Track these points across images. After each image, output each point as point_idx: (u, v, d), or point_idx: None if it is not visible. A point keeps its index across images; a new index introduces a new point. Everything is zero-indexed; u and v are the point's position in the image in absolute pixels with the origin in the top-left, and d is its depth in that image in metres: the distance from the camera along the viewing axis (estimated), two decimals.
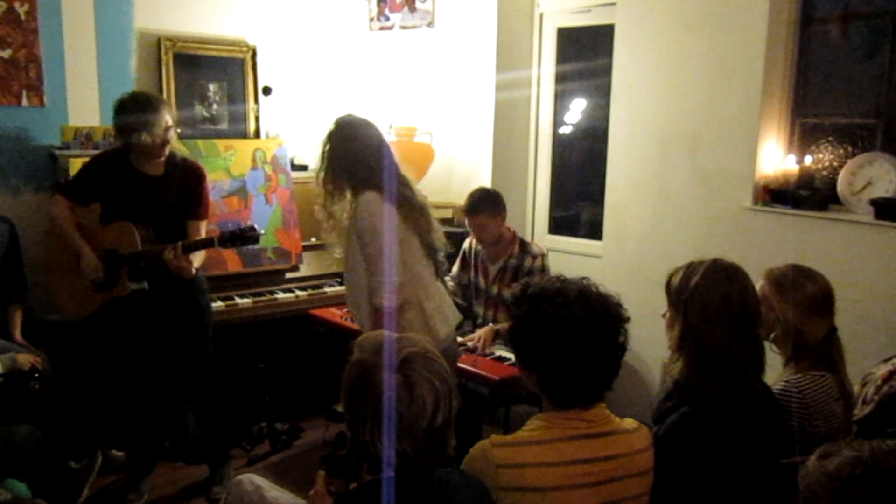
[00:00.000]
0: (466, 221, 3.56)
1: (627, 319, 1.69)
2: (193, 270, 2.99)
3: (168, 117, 2.98)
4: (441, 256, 2.76)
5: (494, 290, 3.59)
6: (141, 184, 3.03)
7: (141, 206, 3.02)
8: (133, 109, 2.93)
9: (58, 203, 3.11)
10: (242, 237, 2.90)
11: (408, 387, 1.44)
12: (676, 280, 1.92)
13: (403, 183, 2.64)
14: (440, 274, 2.81)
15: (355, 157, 2.57)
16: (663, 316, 1.97)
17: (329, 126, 2.68)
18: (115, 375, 3.29)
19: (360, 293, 2.61)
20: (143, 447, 3.35)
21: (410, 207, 2.62)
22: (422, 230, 2.65)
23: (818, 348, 2.13)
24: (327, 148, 2.64)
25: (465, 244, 3.76)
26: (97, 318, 3.12)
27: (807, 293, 2.12)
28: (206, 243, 2.95)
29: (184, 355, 3.19)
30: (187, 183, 3.08)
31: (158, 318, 3.10)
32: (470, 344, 3.34)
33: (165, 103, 3.03)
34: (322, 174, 2.65)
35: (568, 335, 1.60)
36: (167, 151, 3.04)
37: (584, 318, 1.61)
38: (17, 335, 3.38)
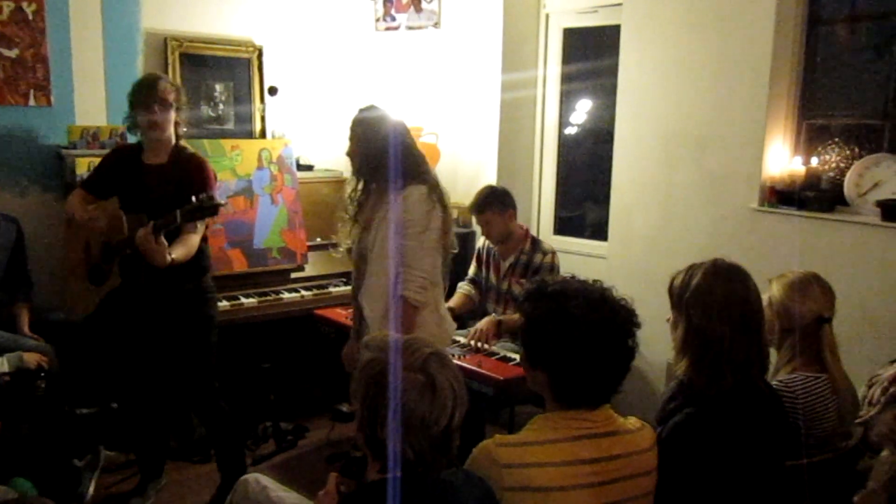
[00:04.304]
0: (474, 219, 3.57)
1: (639, 325, 1.70)
2: (168, 258, 2.71)
3: (165, 94, 2.88)
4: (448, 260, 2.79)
5: (505, 286, 3.60)
6: (144, 173, 2.95)
7: (142, 195, 2.91)
8: (134, 91, 2.91)
9: (74, 194, 3.07)
10: (202, 209, 2.67)
11: (431, 387, 1.45)
12: (678, 282, 1.94)
13: (438, 181, 2.68)
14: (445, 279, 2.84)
15: (391, 150, 2.58)
16: (668, 321, 1.97)
17: (356, 117, 2.70)
18: (117, 376, 3.24)
19: (382, 284, 2.61)
20: (150, 449, 3.31)
21: (446, 210, 2.66)
22: (448, 235, 2.68)
23: (809, 346, 2.14)
24: (358, 139, 2.66)
25: (480, 242, 3.78)
26: (99, 317, 3.02)
27: (823, 292, 2.19)
28: (170, 220, 2.68)
29: (183, 364, 3.06)
30: (186, 172, 2.93)
31: (158, 323, 2.99)
32: (469, 340, 3.32)
33: (159, 81, 2.89)
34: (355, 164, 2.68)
35: (588, 336, 1.60)
36: (168, 133, 2.93)
37: (605, 320, 1.62)
38: (26, 330, 3.41)
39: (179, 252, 2.77)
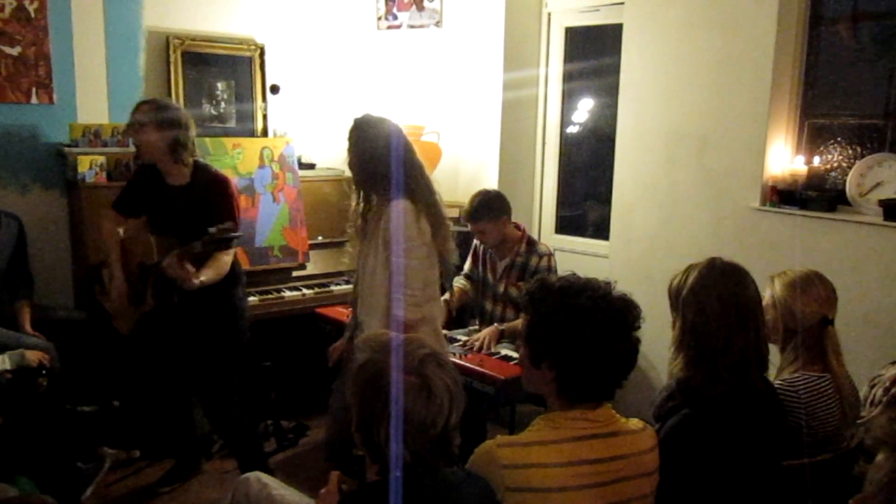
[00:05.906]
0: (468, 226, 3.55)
1: (643, 317, 1.70)
2: (197, 282, 2.80)
3: (137, 117, 2.91)
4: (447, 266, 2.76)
5: (501, 287, 3.57)
6: (168, 194, 2.99)
7: (169, 216, 2.97)
8: None
9: (106, 217, 3.11)
10: (218, 240, 2.76)
11: (426, 389, 1.44)
12: (676, 282, 1.95)
13: (432, 191, 2.62)
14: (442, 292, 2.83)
15: (380, 160, 2.53)
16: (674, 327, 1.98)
17: (350, 126, 2.64)
18: (152, 384, 3.36)
19: (377, 299, 2.59)
20: (185, 445, 3.39)
21: (439, 222, 2.60)
22: (443, 246, 2.63)
23: (812, 346, 2.13)
24: (351, 149, 2.61)
25: (476, 239, 3.75)
26: (138, 335, 3.13)
27: (825, 292, 2.17)
28: (191, 249, 2.77)
29: (209, 370, 3.11)
30: (210, 192, 2.96)
31: (191, 335, 3.05)
32: (476, 344, 3.33)
33: (138, 107, 2.96)
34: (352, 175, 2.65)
35: (598, 329, 1.61)
36: (156, 154, 2.94)
37: (613, 311, 1.63)
38: (28, 328, 3.41)
39: (209, 274, 2.86)
